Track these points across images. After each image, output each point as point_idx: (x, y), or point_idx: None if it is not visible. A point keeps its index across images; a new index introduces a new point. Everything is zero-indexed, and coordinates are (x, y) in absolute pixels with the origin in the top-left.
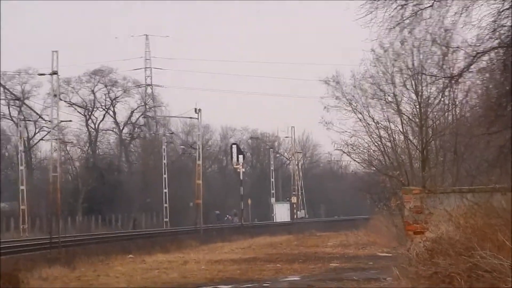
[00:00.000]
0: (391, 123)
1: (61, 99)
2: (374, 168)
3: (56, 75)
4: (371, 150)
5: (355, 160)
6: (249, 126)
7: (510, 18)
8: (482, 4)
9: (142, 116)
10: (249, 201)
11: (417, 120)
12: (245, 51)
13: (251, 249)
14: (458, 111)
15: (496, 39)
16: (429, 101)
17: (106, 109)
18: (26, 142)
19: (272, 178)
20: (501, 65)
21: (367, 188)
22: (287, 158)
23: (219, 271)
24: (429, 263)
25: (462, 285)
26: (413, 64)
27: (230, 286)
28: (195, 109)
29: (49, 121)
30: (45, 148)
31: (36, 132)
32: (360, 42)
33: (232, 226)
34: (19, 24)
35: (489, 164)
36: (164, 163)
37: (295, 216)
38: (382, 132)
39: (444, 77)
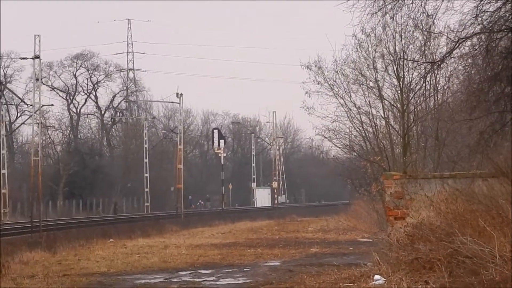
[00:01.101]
0: (372, 109)
1: (43, 83)
2: (355, 154)
3: (38, 59)
4: (353, 136)
5: (336, 146)
6: (231, 111)
7: (492, 3)
8: None
9: (124, 100)
10: (230, 186)
11: (398, 105)
12: (227, 36)
13: (231, 234)
14: (440, 97)
15: (479, 24)
16: (411, 87)
17: (88, 94)
18: (7, 126)
19: (253, 163)
20: (483, 50)
21: (348, 174)
22: (268, 143)
23: (200, 255)
24: (409, 249)
25: (442, 271)
26: (395, 50)
27: (210, 270)
28: (177, 93)
29: (31, 105)
30: (27, 132)
31: (18, 116)
32: (342, 27)
33: (213, 211)
34: (1, 8)
35: (470, 150)
36: (146, 148)
37: (276, 201)
38: (364, 118)
39: (426, 63)
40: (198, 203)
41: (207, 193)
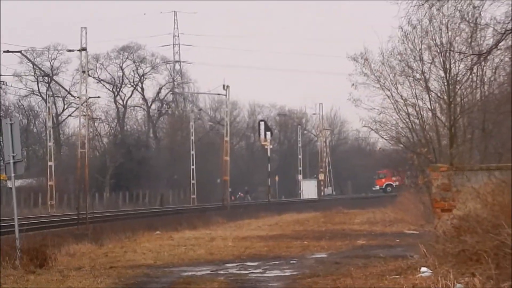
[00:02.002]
0: (419, 100)
1: (89, 75)
2: (402, 145)
3: (84, 51)
4: (399, 127)
5: (383, 137)
6: (277, 103)
7: None
8: None
9: (170, 92)
10: (277, 178)
11: (445, 97)
12: (273, 28)
13: (278, 226)
14: (486, 89)
15: None
16: (458, 79)
17: (134, 86)
18: (54, 118)
19: (300, 155)
20: None
21: (395, 165)
22: (314, 135)
23: (246, 248)
24: (456, 241)
25: (489, 263)
26: (441, 41)
27: (257, 262)
28: (223, 85)
29: (78, 97)
30: (73, 124)
31: (65, 108)
32: (389, 18)
33: (259, 203)
34: (48, 1)
35: None
36: (192, 140)
37: (322, 193)
38: (410, 109)
39: (473, 55)
40: (238, 196)
41: (253, 185)
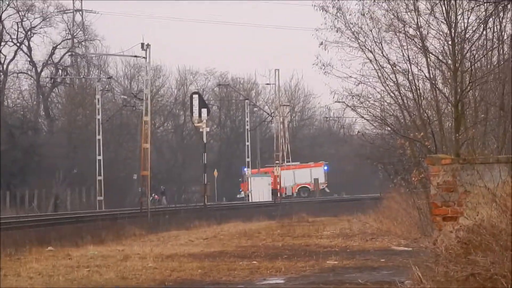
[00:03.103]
0: (413, 66)
1: None
2: (389, 128)
3: None
4: (386, 103)
5: (362, 117)
6: (217, 69)
7: None
8: None
9: (68, 54)
10: (216, 173)
11: (449, 61)
12: None
13: (217, 240)
14: (506, 50)
15: None
16: (467, 36)
17: (18, 44)
18: None
19: (248, 141)
20: None
21: (379, 156)
22: (268, 114)
23: (173, 270)
24: (464, 261)
25: None
26: None
27: None
28: (142, 44)
29: None
30: None
31: None
32: None
33: (192, 209)
34: None
35: None
36: (99, 120)
37: (279, 194)
38: (401, 79)
39: (488, 2)
40: (152, 198)
41: (183, 183)
